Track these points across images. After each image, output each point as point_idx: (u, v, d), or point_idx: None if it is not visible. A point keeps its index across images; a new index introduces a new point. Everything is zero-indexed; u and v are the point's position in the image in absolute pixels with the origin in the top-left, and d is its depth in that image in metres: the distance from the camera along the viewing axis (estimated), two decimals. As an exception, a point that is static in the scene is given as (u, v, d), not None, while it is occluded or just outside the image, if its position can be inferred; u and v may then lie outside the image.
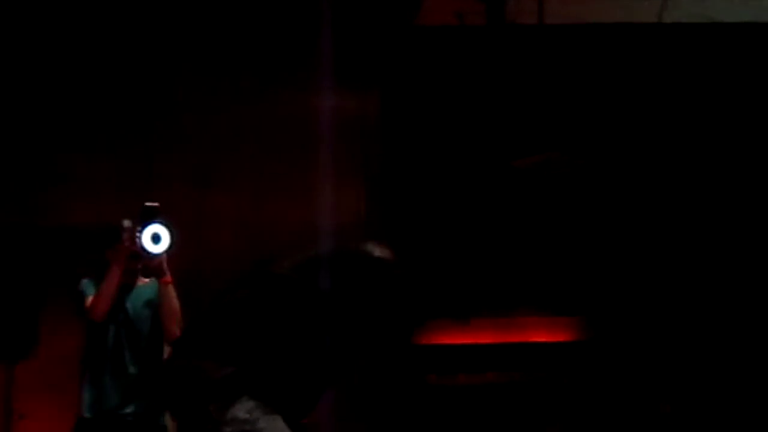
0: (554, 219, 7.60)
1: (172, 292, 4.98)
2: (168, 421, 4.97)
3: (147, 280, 5.07)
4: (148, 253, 4.91)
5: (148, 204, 4.96)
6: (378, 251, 3.80)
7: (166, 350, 4.98)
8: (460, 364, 7.39)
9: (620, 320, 7.44)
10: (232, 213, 7.16)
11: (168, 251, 4.94)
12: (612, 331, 7.45)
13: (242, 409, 3.66)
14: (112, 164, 7.27)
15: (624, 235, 7.55)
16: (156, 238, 4.90)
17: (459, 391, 7.30)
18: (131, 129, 7.35)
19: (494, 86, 7.48)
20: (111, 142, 7.33)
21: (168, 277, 4.98)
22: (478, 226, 7.52)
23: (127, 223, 4.96)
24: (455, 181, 7.54)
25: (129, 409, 4.96)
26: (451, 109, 7.56)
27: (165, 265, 4.98)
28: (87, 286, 5.05)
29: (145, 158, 7.33)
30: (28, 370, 7.10)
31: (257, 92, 7.37)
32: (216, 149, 7.28)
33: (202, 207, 7.13)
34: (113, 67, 7.43)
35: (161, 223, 4.91)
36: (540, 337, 7.52)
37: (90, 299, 4.98)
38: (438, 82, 7.54)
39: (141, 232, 4.89)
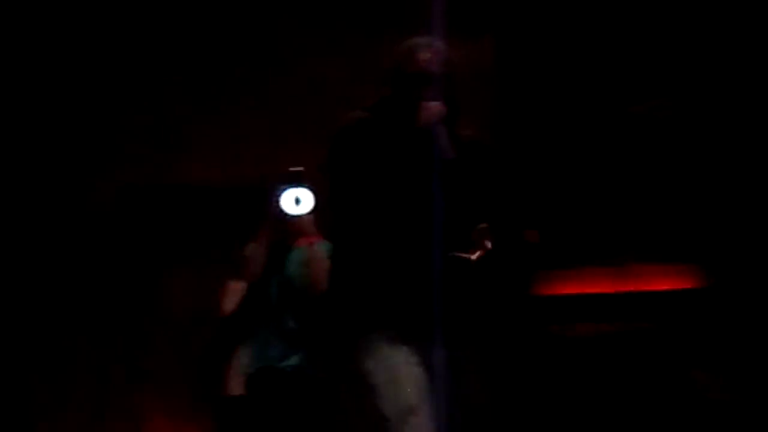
0: (667, 164, 7.50)
1: (314, 252, 5.02)
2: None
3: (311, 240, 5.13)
4: (287, 214, 4.98)
5: (292, 169, 5.01)
6: None
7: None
8: (578, 314, 7.34)
9: (737, 267, 7.33)
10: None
11: (310, 213, 4.99)
12: (729, 278, 7.34)
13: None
14: (229, 122, 7.37)
15: (739, 179, 7.42)
16: (297, 201, 4.96)
17: (580, 342, 7.25)
18: (244, 89, 7.44)
19: (607, 31, 7.39)
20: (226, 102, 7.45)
21: (310, 238, 5.06)
22: (592, 173, 7.44)
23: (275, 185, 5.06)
24: (569, 128, 7.46)
25: (289, 362, 5.04)
26: (565, 57, 7.47)
27: (309, 226, 5.07)
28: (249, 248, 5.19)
29: (259, 116, 7.39)
30: (150, 328, 7.21)
31: (364, 42, 7.30)
32: (327, 102, 7.24)
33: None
34: (221, 25, 7.49)
35: (304, 186, 4.96)
36: (656, 285, 7.44)
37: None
38: (552, 29, 7.44)
39: (280, 194, 4.97)
